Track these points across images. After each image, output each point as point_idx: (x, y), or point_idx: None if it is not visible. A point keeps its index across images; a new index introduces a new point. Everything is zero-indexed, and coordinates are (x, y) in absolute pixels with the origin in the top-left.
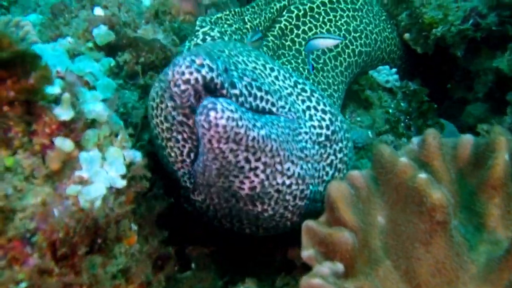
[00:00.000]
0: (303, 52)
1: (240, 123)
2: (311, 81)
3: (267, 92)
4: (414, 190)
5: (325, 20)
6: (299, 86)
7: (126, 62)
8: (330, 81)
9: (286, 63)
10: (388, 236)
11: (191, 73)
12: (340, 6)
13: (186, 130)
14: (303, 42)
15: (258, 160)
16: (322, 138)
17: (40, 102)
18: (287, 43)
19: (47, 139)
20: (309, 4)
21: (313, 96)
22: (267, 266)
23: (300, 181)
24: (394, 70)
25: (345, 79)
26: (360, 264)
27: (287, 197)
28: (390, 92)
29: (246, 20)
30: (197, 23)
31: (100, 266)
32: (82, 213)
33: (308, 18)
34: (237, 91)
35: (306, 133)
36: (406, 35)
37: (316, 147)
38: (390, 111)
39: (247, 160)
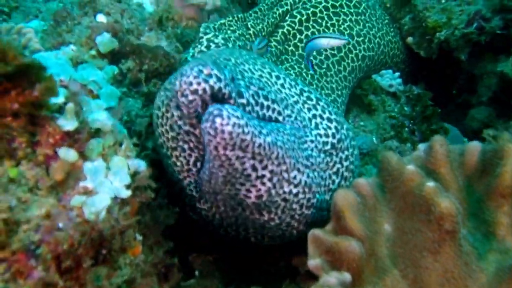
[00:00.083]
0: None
1: (246, 130)
2: (314, 86)
3: (273, 101)
4: (421, 199)
5: (328, 24)
6: (305, 94)
7: (130, 70)
8: (334, 86)
9: (289, 68)
10: (395, 244)
11: (199, 84)
12: (343, 10)
13: (192, 139)
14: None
15: (265, 168)
16: (328, 147)
17: (44, 112)
18: (290, 48)
19: (51, 150)
20: (312, 9)
21: (319, 104)
22: (273, 274)
23: (306, 190)
24: (397, 74)
25: (348, 84)
26: (367, 273)
27: (294, 206)
28: (394, 97)
29: (249, 26)
30: (201, 29)
31: (105, 278)
32: (87, 225)
33: (311, 23)
34: (244, 101)
35: (312, 141)
36: (409, 39)
37: (322, 155)
38: (394, 115)
39: (254, 168)
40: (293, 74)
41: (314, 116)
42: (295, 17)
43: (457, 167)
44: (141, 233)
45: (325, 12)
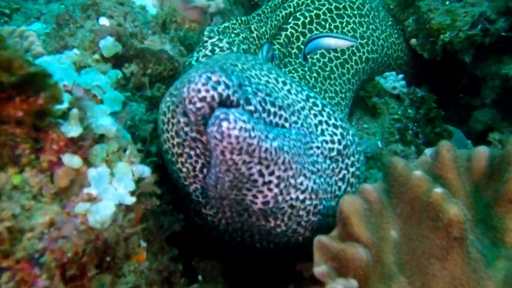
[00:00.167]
0: (309, 60)
1: (252, 134)
2: (318, 89)
3: (280, 107)
4: (429, 205)
5: (332, 27)
6: (311, 100)
7: (133, 74)
8: (337, 88)
9: (293, 71)
10: (402, 251)
11: (207, 91)
12: (346, 12)
13: (199, 146)
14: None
15: (271, 174)
16: (334, 153)
17: (48, 118)
18: (293, 51)
19: (55, 156)
20: (315, 11)
21: (324, 110)
22: (278, 281)
23: (313, 196)
24: (401, 76)
25: (352, 87)
26: (374, 280)
27: (301, 212)
28: (397, 99)
29: (253, 29)
30: (205, 33)
31: (109, 286)
32: (92, 233)
33: (315, 25)
34: (252, 108)
35: (318, 147)
36: (413, 41)
37: (328, 161)
38: (398, 118)
39: (261, 174)
40: (296, 77)
41: (320, 122)
42: (298, 19)
43: (464, 173)
44: (145, 240)
45: (328, 14)
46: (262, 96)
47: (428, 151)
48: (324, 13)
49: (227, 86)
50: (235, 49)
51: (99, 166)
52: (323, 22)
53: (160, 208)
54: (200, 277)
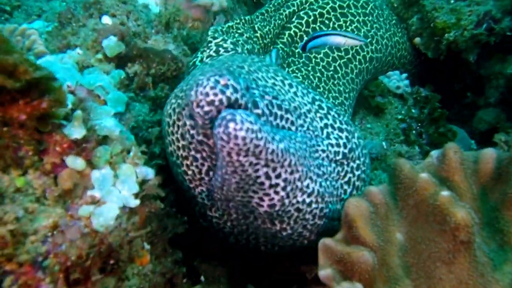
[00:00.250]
0: (313, 60)
1: (259, 135)
2: (321, 89)
3: (287, 111)
4: (436, 208)
5: (336, 26)
6: (316, 103)
7: (136, 74)
8: (341, 88)
9: (296, 70)
10: (408, 254)
11: (215, 95)
12: (350, 11)
13: (205, 149)
14: (313, 49)
15: (278, 176)
16: (340, 157)
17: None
18: (296, 51)
19: (58, 158)
20: (319, 10)
21: (330, 114)
22: (283, 284)
23: (319, 199)
24: (404, 75)
25: (356, 87)
26: (379, 284)
27: (307, 216)
28: (401, 98)
29: (256, 28)
30: (209, 33)
31: None
32: (96, 236)
33: (318, 24)
34: (259, 111)
35: (323, 151)
36: (417, 40)
37: (333, 165)
38: (401, 118)
39: (267, 177)
40: (300, 77)
41: (326, 125)
42: (302, 18)
43: (471, 175)
44: (148, 242)
45: (332, 13)
46: (269, 99)
47: (434, 153)
48: (328, 12)
49: (235, 90)
50: (239, 49)
51: (103, 168)
52: (327, 21)
53: (163, 211)
54: (202, 278)
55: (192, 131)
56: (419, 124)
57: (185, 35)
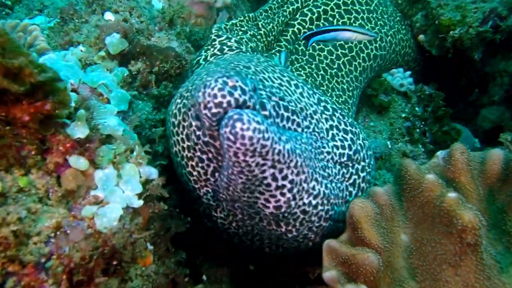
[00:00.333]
0: (316, 57)
1: (266, 135)
2: (325, 87)
3: (293, 112)
4: (442, 210)
5: (340, 23)
6: (322, 104)
7: (140, 72)
8: (345, 86)
9: (300, 68)
10: (413, 256)
11: (224, 96)
12: (354, 8)
13: (212, 150)
14: (317, 47)
15: (285, 178)
16: (344, 159)
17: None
18: (300, 48)
19: (61, 158)
20: (323, 7)
21: (335, 115)
22: (288, 285)
23: (325, 201)
24: (408, 73)
25: (359, 85)
26: (384, 286)
27: (313, 218)
28: (405, 96)
29: (260, 26)
30: (213, 31)
31: None
32: (99, 237)
33: (322, 21)
34: (266, 113)
35: (328, 153)
36: (421, 37)
37: (338, 167)
38: (405, 116)
39: (274, 178)
40: (303, 75)
41: (331, 127)
42: (306, 15)
43: (477, 176)
44: (151, 243)
45: (336, 10)
46: (276, 100)
47: (440, 154)
48: (332, 9)
49: (244, 92)
50: (243, 47)
51: (106, 168)
52: (330, 18)
53: (167, 211)
54: (204, 277)
55: (198, 132)
56: (423, 123)
57: (188, 32)
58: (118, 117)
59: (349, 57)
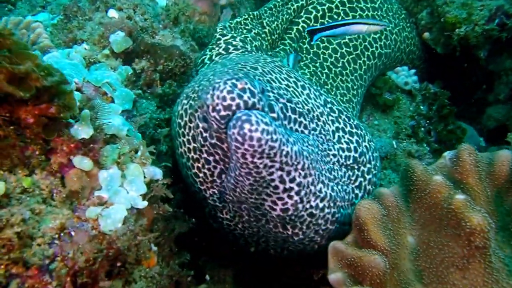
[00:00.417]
0: (321, 56)
1: (274, 137)
2: (329, 86)
3: (300, 114)
4: (450, 212)
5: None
6: (328, 106)
7: (144, 70)
8: (349, 85)
9: (304, 67)
10: (420, 258)
11: (233, 99)
12: (359, 5)
13: (219, 152)
14: (321, 45)
15: (292, 180)
16: (350, 161)
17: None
18: (304, 46)
19: (65, 158)
20: (327, 4)
21: (341, 117)
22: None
23: (332, 204)
24: (413, 71)
25: (364, 83)
26: None
27: (320, 221)
28: (409, 95)
29: (265, 24)
30: (218, 30)
31: None
32: (103, 239)
33: (327, 19)
34: (275, 115)
35: (334, 155)
36: (426, 34)
37: (344, 169)
38: (410, 115)
39: (282, 180)
40: (308, 73)
41: (337, 129)
42: (311, 13)
43: (485, 177)
44: (155, 244)
45: (341, 8)
46: (284, 102)
47: (447, 155)
48: (336, 6)
49: (253, 94)
50: (248, 46)
51: (110, 168)
52: (335, 16)
53: (171, 212)
54: (207, 277)
55: (205, 134)
56: (428, 121)
57: (192, 29)
58: (123, 116)
59: (353, 56)
